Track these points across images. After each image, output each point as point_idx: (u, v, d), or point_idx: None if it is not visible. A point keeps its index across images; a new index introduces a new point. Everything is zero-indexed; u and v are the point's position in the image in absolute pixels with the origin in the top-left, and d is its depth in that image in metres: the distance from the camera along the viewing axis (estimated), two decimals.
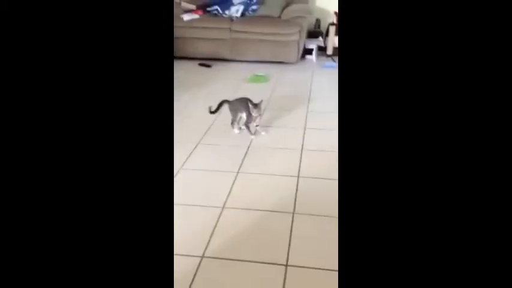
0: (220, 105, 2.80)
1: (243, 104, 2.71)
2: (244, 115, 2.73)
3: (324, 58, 4.68)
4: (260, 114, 2.69)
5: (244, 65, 4.52)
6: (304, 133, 2.80)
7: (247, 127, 2.75)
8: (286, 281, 1.55)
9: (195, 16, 4.56)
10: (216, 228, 1.85)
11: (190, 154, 2.54)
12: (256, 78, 3.93)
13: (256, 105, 2.65)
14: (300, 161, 2.42)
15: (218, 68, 4.46)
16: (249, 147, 2.63)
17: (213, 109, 2.81)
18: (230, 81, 3.99)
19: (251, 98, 2.75)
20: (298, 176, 2.26)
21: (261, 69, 4.28)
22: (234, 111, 2.76)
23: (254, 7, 4.67)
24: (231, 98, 2.84)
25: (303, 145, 2.62)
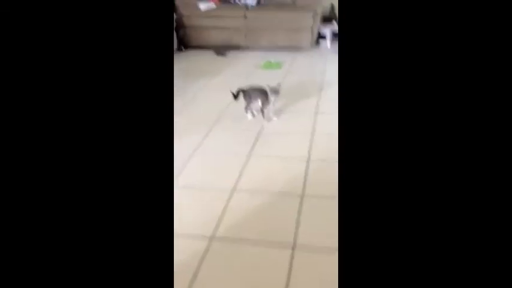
0: (237, 93, 2.85)
1: (259, 94, 2.78)
2: (259, 102, 2.80)
3: (337, 44, 4.67)
4: (277, 97, 2.77)
5: (258, 52, 4.55)
6: (315, 118, 2.83)
7: (262, 112, 2.84)
8: (293, 262, 1.61)
9: (212, 5, 4.61)
10: (227, 210, 1.92)
11: (204, 138, 2.61)
12: (269, 65, 3.97)
13: (275, 91, 2.73)
14: (311, 145, 2.47)
15: (233, 56, 4.51)
16: (260, 131, 2.68)
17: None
18: (244, 68, 4.03)
19: (264, 85, 2.80)
20: (308, 160, 2.31)
21: (275, 56, 4.31)
22: (249, 98, 2.82)
23: None
24: (243, 84, 2.89)
25: (313, 129, 2.66)
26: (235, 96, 2.83)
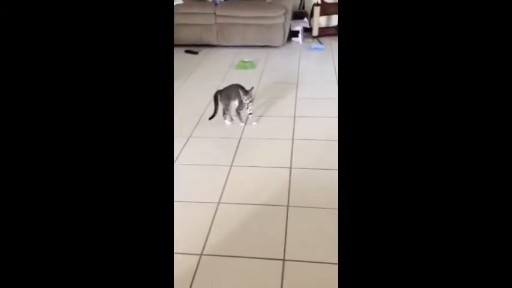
0: (215, 98, 2.79)
1: (235, 91, 2.72)
2: (236, 102, 2.74)
3: (310, 40, 4.67)
4: (251, 101, 2.73)
5: (231, 50, 4.49)
6: (294, 122, 2.83)
7: (238, 114, 2.79)
8: (284, 275, 1.62)
9: (179, 1, 4.48)
10: (213, 225, 1.90)
11: (182, 148, 2.56)
12: (243, 65, 3.92)
13: (247, 92, 2.68)
14: (292, 152, 2.46)
15: (204, 54, 4.42)
16: (240, 138, 2.65)
17: (211, 113, 2.82)
18: (217, 68, 3.96)
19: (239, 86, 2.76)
20: (290, 167, 2.30)
21: (248, 54, 4.26)
22: (227, 99, 2.76)
23: None
24: (220, 87, 2.84)
25: (293, 135, 2.66)
26: (215, 110, 2.79)
